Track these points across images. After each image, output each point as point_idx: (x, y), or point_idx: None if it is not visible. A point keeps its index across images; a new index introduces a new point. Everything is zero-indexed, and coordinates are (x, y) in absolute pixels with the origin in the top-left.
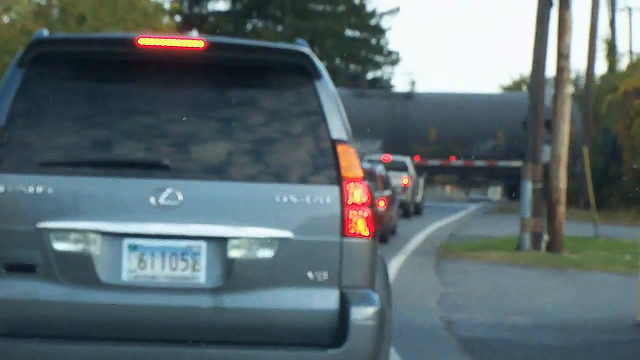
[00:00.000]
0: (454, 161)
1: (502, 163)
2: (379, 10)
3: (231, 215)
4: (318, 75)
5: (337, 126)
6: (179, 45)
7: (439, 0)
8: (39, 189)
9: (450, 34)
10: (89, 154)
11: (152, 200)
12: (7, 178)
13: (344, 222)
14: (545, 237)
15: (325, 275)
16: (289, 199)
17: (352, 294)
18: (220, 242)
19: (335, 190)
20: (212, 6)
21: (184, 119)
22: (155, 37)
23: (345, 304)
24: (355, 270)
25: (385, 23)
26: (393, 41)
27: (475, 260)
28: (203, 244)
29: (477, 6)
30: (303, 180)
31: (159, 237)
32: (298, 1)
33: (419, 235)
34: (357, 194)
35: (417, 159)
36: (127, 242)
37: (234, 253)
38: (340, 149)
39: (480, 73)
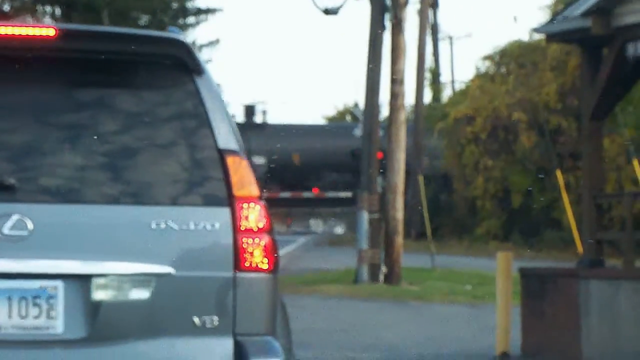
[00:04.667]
0: (282, 193)
1: (331, 194)
2: (198, 42)
3: (95, 247)
4: (199, 71)
5: (225, 133)
6: (22, 34)
7: (261, 30)
8: None
9: (275, 64)
10: None
11: None
12: None
13: (237, 252)
14: (383, 269)
15: (215, 320)
16: (168, 225)
17: (249, 342)
18: (81, 282)
19: (225, 213)
20: None
21: (32, 126)
22: None
23: (241, 355)
24: (253, 313)
25: (205, 55)
26: (213, 73)
27: (312, 294)
28: (60, 284)
29: (301, 36)
30: (185, 201)
31: (4, 276)
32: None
33: None
34: (253, 217)
35: None
36: None
37: (99, 295)
38: (230, 161)
39: (308, 104)
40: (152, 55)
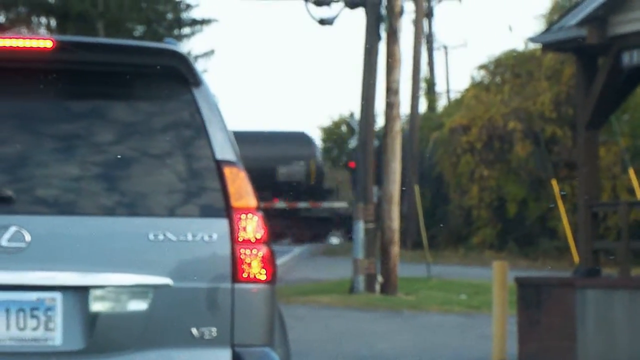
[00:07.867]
0: (277, 203)
1: (326, 204)
2: (194, 52)
3: (93, 258)
4: (197, 82)
5: (223, 144)
6: (19, 46)
7: (257, 41)
8: None
9: (272, 75)
10: None
11: None
12: None
13: (235, 263)
14: (379, 279)
15: (213, 331)
16: (166, 237)
17: (247, 353)
18: (79, 293)
19: (223, 224)
20: None
21: (30, 138)
22: None
23: None
24: (251, 323)
25: (200, 65)
26: (210, 84)
27: (307, 304)
28: (58, 296)
29: (296, 46)
30: (182, 212)
31: (2, 288)
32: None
33: None
34: (251, 228)
35: None
36: None
37: (97, 306)
38: (227, 172)
39: (303, 113)
40: (150, 66)
